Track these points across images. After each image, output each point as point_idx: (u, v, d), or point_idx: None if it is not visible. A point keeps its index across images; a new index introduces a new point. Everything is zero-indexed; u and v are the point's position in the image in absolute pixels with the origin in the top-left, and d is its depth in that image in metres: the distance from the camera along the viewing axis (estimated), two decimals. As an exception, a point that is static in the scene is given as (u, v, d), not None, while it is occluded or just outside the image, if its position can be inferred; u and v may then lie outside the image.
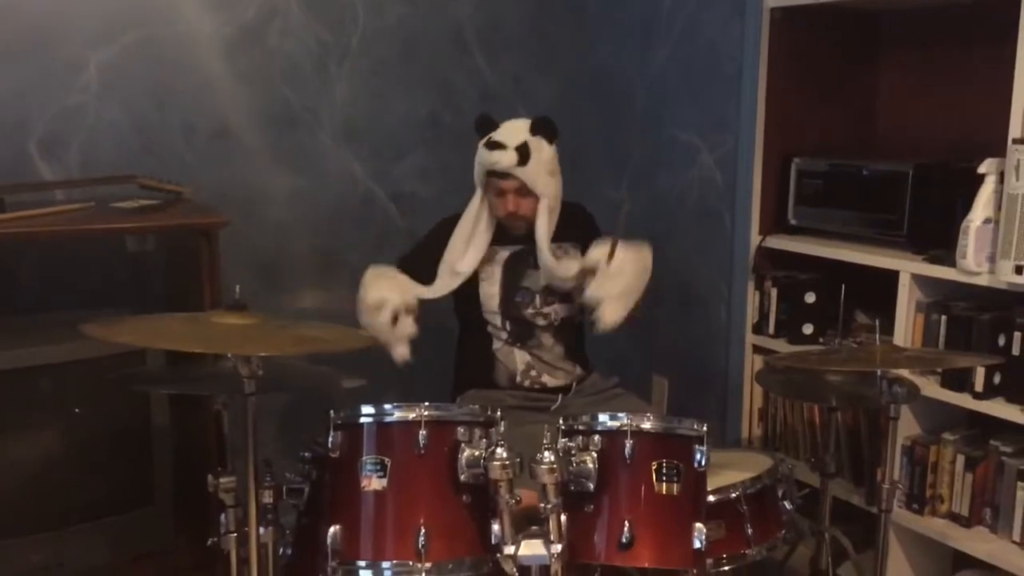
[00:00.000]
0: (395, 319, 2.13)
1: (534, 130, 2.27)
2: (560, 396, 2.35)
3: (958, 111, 2.49)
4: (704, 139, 2.90)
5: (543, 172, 2.26)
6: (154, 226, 2.28)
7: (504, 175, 2.24)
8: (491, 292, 2.34)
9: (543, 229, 2.27)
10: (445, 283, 2.30)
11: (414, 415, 1.69)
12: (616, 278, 2.19)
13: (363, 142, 2.87)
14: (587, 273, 2.22)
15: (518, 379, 2.34)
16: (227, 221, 2.25)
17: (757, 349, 2.70)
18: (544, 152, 2.26)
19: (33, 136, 2.42)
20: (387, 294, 2.14)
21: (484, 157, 2.25)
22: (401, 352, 2.14)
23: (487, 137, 2.27)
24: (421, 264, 2.32)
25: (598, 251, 2.21)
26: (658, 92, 3.05)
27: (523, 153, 2.23)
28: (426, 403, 1.71)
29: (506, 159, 2.22)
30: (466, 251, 2.31)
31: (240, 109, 2.68)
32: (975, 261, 2.10)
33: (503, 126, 2.30)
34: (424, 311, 2.35)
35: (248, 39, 2.65)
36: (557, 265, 2.29)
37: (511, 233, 2.34)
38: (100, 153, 2.49)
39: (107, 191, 2.38)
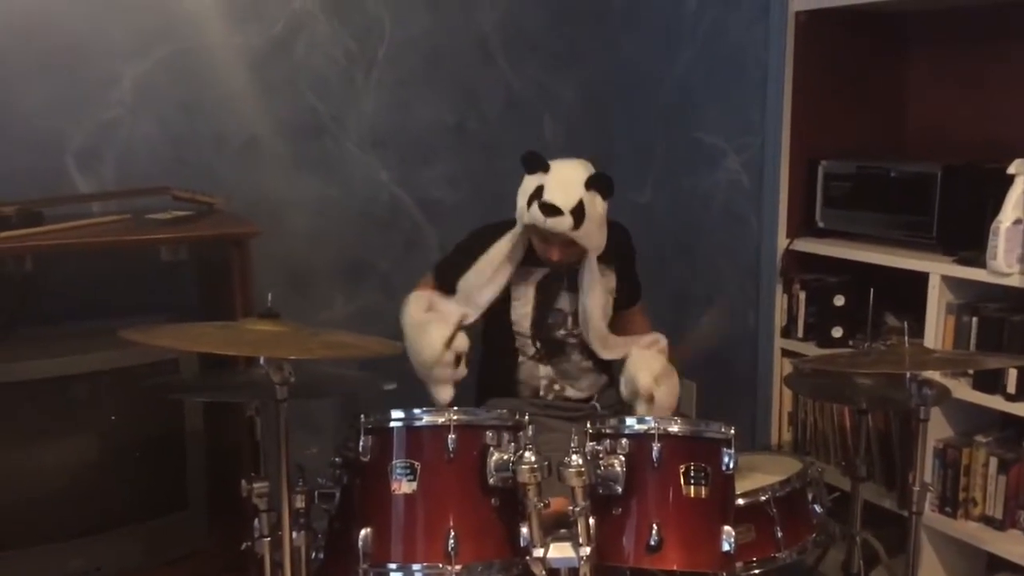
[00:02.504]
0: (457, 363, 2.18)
1: (589, 185, 2.16)
2: (589, 401, 2.36)
3: (987, 111, 2.47)
4: (730, 141, 2.90)
5: (594, 228, 2.18)
6: (187, 236, 2.32)
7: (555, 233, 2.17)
8: (524, 312, 2.32)
9: (591, 278, 2.25)
10: (457, 309, 2.26)
11: (443, 419, 1.72)
12: (659, 406, 2.20)
13: (390, 150, 2.90)
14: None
15: (541, 392, 2.35)
16: (258, 231, 2.29)
17: (786, 352, 2.69)
18: (597, 208, 2.17)
19: (70, 149, 2.48)
20: (457, 341, 2.16)
21: (537, 219, 2.14)
22: (444, 394, 2.18)
23: (540, 194, 2.14)
24: (458, 274, 2.31)
25: (645, 383, 2.18)
26: (683, 95, 3.05)
27: (578, 216, 2.13)
28: (455, 407, 1.74)
29: (562, 225, 2.13)
30: (488, 284, 2.27)
31: (269, 120, 2.72)
32: (1006, 262, 2.08)
33: (555, 173, 2.18)
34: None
35: (276, 51, 2.69)
36: (605, 335, 2.30)
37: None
38: (134, 165, 2.54)
39: (142, 203, 2.43)
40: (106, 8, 2.47)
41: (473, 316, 2.28)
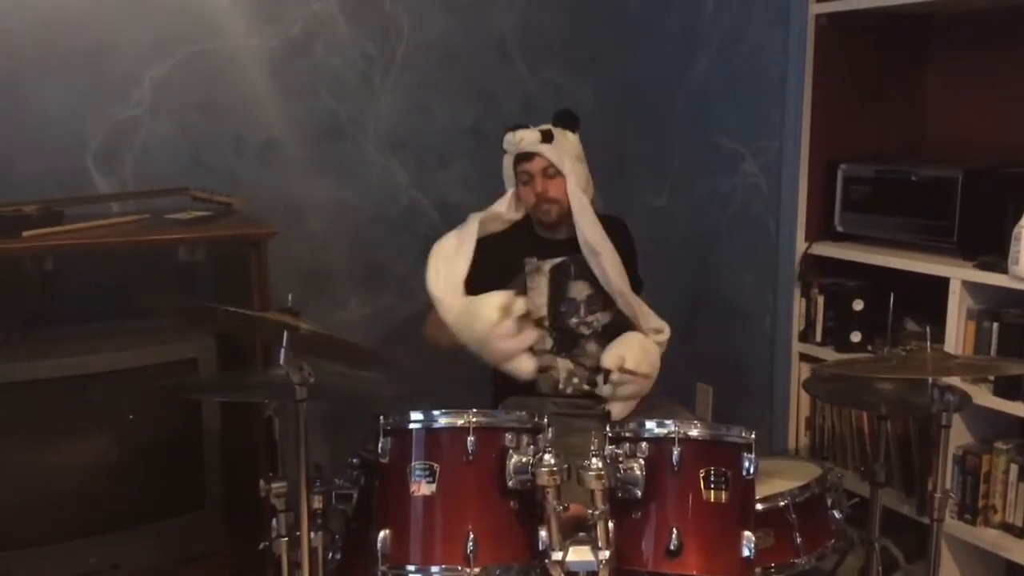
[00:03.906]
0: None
1: (555, 122, 2.35)
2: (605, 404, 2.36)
3: (1008, 115, 2.45)
4: (747, 145, 2.89)
5: (569, 154, 2.33)
6: (205, 237, 2.32)
7: (529, 156, 2.31)
8: (539, 303, 2.35)
9: (578, 202, 2.31)
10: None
11: (463, 421, 1.71)
12: (627, 384, 2.23)
13: (407, 152, 2.90)
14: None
15: (561, 386, 2.35)
16: (276, 232, 2.29)
17: (804, 357, 2.68)
18: (568, 138, 2.35)
19: (90, 150, 2.49)
20: (503, 299, 2.13)
21: (508, 139, 2.33)
22: (525, 365, 2.18)
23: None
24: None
25: (609, 361, 2.22)
26: (700, 98, 3.05)
27: (546, 134, 2.31)
28: (474, 409, 1.73)
29: (529, 136, 2.30)
30: (460, 248, 2.30)
31: (287, 121, 2.73)
32: (1028, 267, 2.06)
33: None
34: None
35: (295, 53, 2.70)
36: (600, 239, 2.31)
37: (545, 222, 2.36)
38: (153, 166, 2.55)
39: (161, 203, 2.44)
40: (126, 10, 2.49)
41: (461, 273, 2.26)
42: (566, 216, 2.34)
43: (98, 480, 2.26)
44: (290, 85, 2.71)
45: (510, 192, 2.41)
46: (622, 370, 2.20)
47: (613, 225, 2.44)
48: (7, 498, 2.14)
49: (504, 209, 2.40)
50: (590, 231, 2.32)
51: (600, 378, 2.24)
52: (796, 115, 2.62)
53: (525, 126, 2.35)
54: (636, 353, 2.24)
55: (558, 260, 2.37)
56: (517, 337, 2.15)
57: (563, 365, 2.36)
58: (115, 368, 2.23)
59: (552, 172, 2.32)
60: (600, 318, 2.38)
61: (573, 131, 2.37)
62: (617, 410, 2.25)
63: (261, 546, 1.86)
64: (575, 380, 2.36)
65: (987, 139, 2.48)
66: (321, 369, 1.77)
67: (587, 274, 2.37)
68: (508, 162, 2.39)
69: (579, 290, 2.37)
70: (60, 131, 2.45)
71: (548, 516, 1.64)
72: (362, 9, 2.76)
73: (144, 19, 2.51)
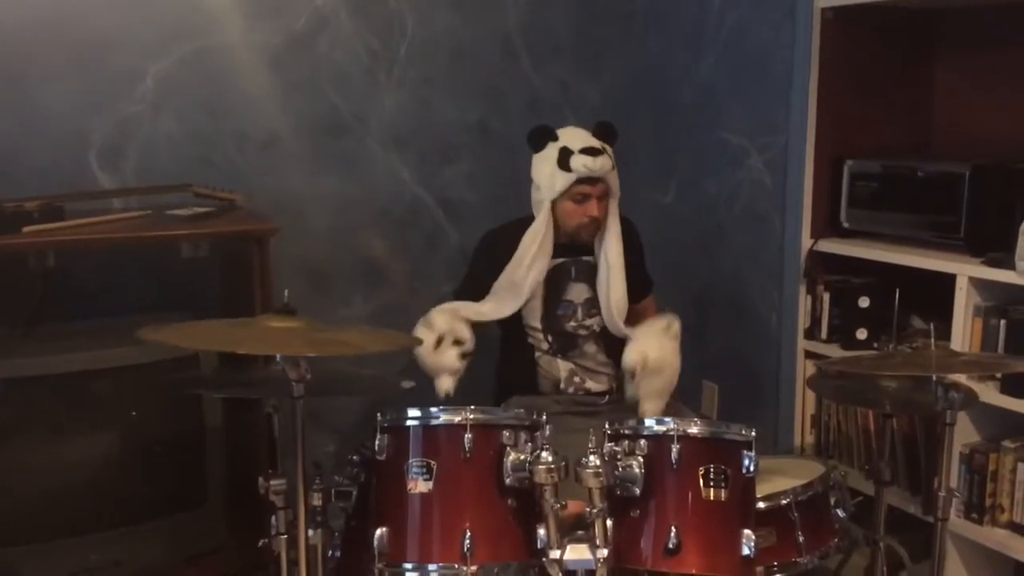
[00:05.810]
0: (439, 344, 2.19)
1: (597, 135, 2.29)
2: (607, 396, 2.36)
3: (1016, 111, 2.43)
4: (753, 141, 2.87)
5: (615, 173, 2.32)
6: (207, 233, 2.32)
7: (595, 180, 2.25)
8: (534, 305, 2.34)
9: (615, 223, 2.31)
10: (507, 302, 2.30)
11: (460, 418, 1.71)
12: (653, 377, 2.21)
13: (411, 149, 2.89)
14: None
15: (562, 386, 2.34)
16: (278, 227, 2.29)
17: (809, 354, 2.66)
18: (610, 153, 2.30)
19: (92, 146, 2.49)
20: (435, 320, 2.20)
21: (587, 164, 2.22)
22: (442, 384, 2.21)
23: (569, 151, 2.23)
24: (477, 288, 2.34)
25: (631, 359, 2.21)
26: (706, 94, 3.03)
27: (611, 156, 2.27)
28: (472, 407, 1.72)
29: (608, 163, 2.25)
30: (529, 271, 2.28)
31: (290, 117, 2.72)
32: (1035, 264, 2.04)
33: (568, 132, 2.30)
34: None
35: (298, 49, 2.69)
36: (617, 256, 2.31)
37: (584, 239, 2.33)
38: (156, 162, 2.55)
39: (163, 199, 2.44)
40: (129, 5, 2.48)
41: (507, 310, 2.30)
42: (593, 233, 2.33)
43: (100, 477, 2.25)
44: (293, 81, 2.70)
45: (547, 210, 2.28)
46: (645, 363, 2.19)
47: (627, 227, 2.41)
48: (9, 494, 2.14)
49: (544, 231, 2.29)
50: (616, 249, 2.31)
51: (630, 386, 2.23)
52: (802, 110, 2.60)
53: (554, 134, 2.28)
54: (656, 345, 2.22)
55: (558, 261, 2.34)
56: (435, 355, 2.20)
57: (563, 365, 2.35)
58: (118, 364, 2.22)
59: (608, 195, 2.30)
60: (600, 321, 2.35)
61: (612, 145, 2.32)
62: (651, 409, 2.21)
63: (260, 543, 1.86)
64: (576, 379, 2.35)
65: (995, 134, 2.45)
66: (325, 366, 1.77)
67: (588, 277, 2.35)
68: (562, 181, 2.24)
69: (578, 293, 2.35)
70: (63, 127, 2.44)
71: (546, 514, 1.64)
72: (366, 4, 2.75)
73: (148, 15, 2.50)
